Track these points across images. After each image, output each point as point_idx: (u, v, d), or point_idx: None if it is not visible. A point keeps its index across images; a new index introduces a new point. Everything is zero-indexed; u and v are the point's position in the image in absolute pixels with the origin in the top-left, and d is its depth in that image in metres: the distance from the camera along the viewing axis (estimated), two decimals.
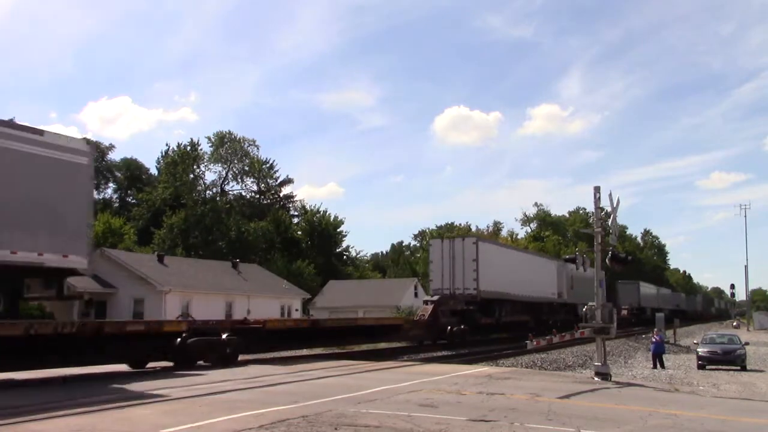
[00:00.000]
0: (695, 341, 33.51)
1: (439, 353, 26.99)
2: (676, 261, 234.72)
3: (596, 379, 17.45)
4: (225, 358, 18.00)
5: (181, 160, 63.85)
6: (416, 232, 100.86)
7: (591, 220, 28.70)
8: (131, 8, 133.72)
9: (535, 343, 20.14)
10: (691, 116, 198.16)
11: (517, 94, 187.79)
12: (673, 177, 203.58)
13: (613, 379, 17.70)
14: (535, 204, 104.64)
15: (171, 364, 17.33)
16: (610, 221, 19.97)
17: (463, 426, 9.56)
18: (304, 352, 25.04)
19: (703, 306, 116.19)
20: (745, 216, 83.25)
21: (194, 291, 44.26)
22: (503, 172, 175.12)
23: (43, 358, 14.19)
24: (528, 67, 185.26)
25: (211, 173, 69.60)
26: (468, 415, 10.38)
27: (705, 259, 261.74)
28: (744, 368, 26.99)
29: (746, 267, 79.27)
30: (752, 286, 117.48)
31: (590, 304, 18.84)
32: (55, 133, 15.53)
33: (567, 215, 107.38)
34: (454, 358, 25.17)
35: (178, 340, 17.15)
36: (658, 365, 27.04)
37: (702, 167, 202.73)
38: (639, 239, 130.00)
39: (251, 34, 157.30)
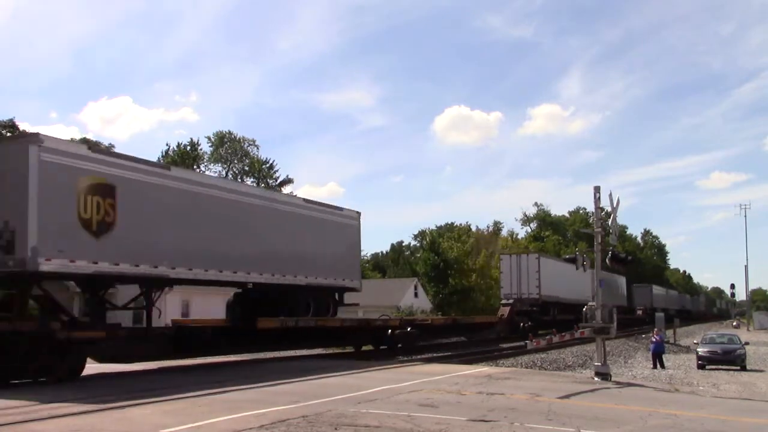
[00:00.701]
0: (695, 341, 33.52)
1: (439, 353, 27.12)
2: (676, 261, 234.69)
3: (596, 379, 17.45)
4: (411, 347, 25.19)
5: (181, 160, 63.88)
6: (416, 232, 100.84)
7: (591, 220, 29.15)
8: (132, 8, 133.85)
9: (535, 343, 20.16)
10: (691, 116, 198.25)
11: (517, 94, 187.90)
12: (673, 177, 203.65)
13: (613, 379, 17.71)
14: (535, 204, 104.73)
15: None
16: (610, 221, 20.00)
17: (463, 426, 9.56)
18: (304, 352, 25.12)
19: (706, 306, 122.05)
20: (745, 216, 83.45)
21: (194, 291, 44.18)
22: (503, 172, 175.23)
23: (314, 341, 24.61)
24: (528, 67, 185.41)
25: (211, 173, 69.63)
26: (468, 415, 10.39)
27: (705, 259, 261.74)
28: (744, 368, 26.99)
29: (746, 267, 79.45)
30: (752, 286, 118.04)
31: (590, 303, 18.86)
32: (345, 209, 24.63)
33: (567, 215, 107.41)
34: (454, 358, 25.18)
35: (389, 331, 25.94)
36: (658, 365, 27.05)
37: (702, 167, 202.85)
38: (639, 239, 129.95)
39: (251, 34, 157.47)
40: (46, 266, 13.63)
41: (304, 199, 24.07)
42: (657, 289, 76.38)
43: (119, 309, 18.77)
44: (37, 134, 13.96)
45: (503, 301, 38.83)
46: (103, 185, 14.85)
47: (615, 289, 53.47)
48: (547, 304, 39.96)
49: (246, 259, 19.24)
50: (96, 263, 14.66)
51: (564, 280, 40.69)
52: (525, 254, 41.33)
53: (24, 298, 14.99)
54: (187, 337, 18.62)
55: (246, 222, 19.44)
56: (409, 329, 26.64)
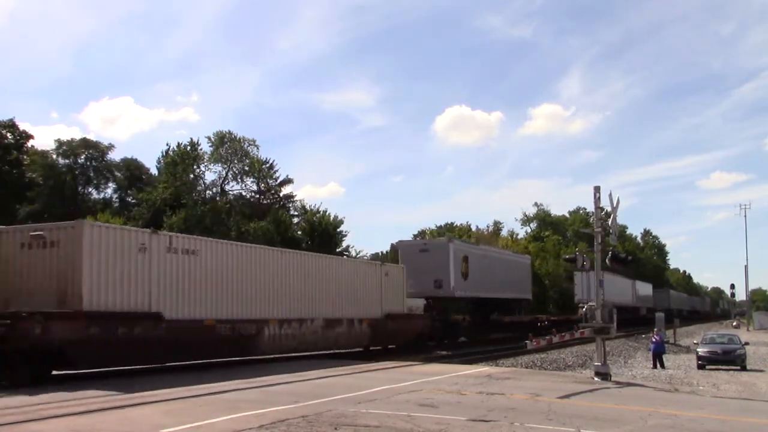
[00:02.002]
0: (695, 341, 33.51)
1: (439, 353, 27.15)
2: (676, 261, 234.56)
3: (596, 379, 17.45)
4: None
5: (181, 160, 63.78)
6: (416, 232, 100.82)
7: (591, 220, 29.39)
8: (132, 8, 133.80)
9: (535, 343, 20.13)
10: (691, 116, 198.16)
11: (517, 94, 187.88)
12: (673, 177, 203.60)
13: (613, 379, 17.71)
14: (535, 204, 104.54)
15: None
16: (610, 221, 19.97)
17: (463, 426, 9.56)
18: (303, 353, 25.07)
19: (710, 306, 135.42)
20: (745, 216, 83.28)
21: None
22: (503, 172, 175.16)
23: (511, 330, 38.54)
24: (528, 67, 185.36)
25: (211, 173, 69.56)
26: (468, 415, 10.38)
27: (705, 259, 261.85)
28: (744, 368, 26.98)
29: (746, 267, 79.32)
30: (752, 286, 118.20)
31: (590, 303, 18.84)
32: (524, 255, 47.53)
33: (567, 215, 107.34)
34: (454, 358, 25.20)
35: (539, 324, 40.71)
36: (658, 365, 27.04)
37: (702, 167, 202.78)
38: (639, 239, 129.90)
39: (251, 34, 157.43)
40: (456, 293, 32.69)
41: (511, 252, 46.97)
42: (673, 293, 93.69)
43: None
44: (452, 239, 35.36)
45: (581, 305, 48.21)
46: (465, 256, 33.91)
47: (649, 294, 71.97)
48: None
49: (496, 285, 37.23)
50: (466, 292, 33.64)
51: (616, 287, 53.36)
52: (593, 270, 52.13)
53: (447, 306, 33.57)
54: (454, 325, 33.37)
55: (504, 268, 39.46)
56: (546, 323, 40.96)
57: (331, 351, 23.91)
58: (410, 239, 45.26)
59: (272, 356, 21.63)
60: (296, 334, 21.76)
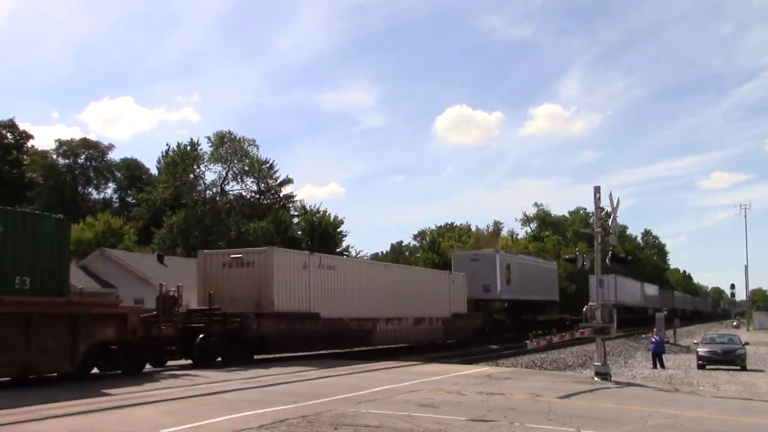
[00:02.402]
0: (695, 341, 33.51)
1: (439, 353, 27.16)
2: (676, 261, 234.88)
3: (596, 379, 17.45)
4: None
5: (181, 160, 63.77)
6: (416, 232, 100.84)
7: (591, 220, 29.56)
8: (132, 8, 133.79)
9: (535, 343, 20.13)
10: (691, 116, 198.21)
11: (518, 94, 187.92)
12: (673, 177, 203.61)
13: (613, 379, 17.70)
14: (535, 204, 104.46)
15: None
16: (610, 221, 19.96)
17: (463, 426, 9.56)
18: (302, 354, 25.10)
19: (711, 306, 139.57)
20: (745, 216, 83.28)
21: (195, 291, 44.32)
22: (503, 172, 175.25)
23: (544, 327, 40.94)
24: (528, 67, 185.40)
25: (211, 173, 69.56)
26: (468, 415, 10.38)
27: (705, 259, 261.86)
28: (744, 368, 26.97)
29: (746, 267, 79.32)
30: (752, 286, 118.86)
31: (590, 303, 18.84)
32: (548, 261, 50.52)
33: (567, 215, 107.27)
34: (454, 358, 25.21)
35: (566, 322, 42.01)
36: (658, 365, 27.04)
37: (702, 167, 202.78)
38: (639, 239, 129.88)
39: (251, 34, 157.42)
40: (501, 296, 37.03)
41: (542, 260, 49.64)
42: (678, 294, 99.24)
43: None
44: (498, 250, 39.65)
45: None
46: (508, 264, 37.78)
47: (656, 296, 77.51)
48: (620, 307, 55.67)
49: (531, 288, 41.15)
50: (509, 295, 37.69)
51: (628, 289, 60.68)
52: (613, 275, 55.30)
53: (492, 307, 37.92)
54: (500, 323, 36.86)
55: (537, 273, 43.37)
56: (569, 322, 42.29)
57: (418, 343, 28.98)
58: (463, 251, 48.21)
59: (385, 346, 26.95)
60: (396, 329, 27.19)
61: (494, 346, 32.25)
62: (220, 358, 19.51)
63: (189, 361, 19.34)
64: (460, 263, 37.27)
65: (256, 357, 20.82)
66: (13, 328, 13.36)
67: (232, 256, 21.80)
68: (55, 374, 14.89)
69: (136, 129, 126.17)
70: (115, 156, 79.32)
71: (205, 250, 23.93)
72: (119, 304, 17.56)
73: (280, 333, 20.80)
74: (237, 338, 19.64)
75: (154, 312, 17.79)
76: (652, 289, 75.41)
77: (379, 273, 27.44)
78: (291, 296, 21.56)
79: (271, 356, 21.68)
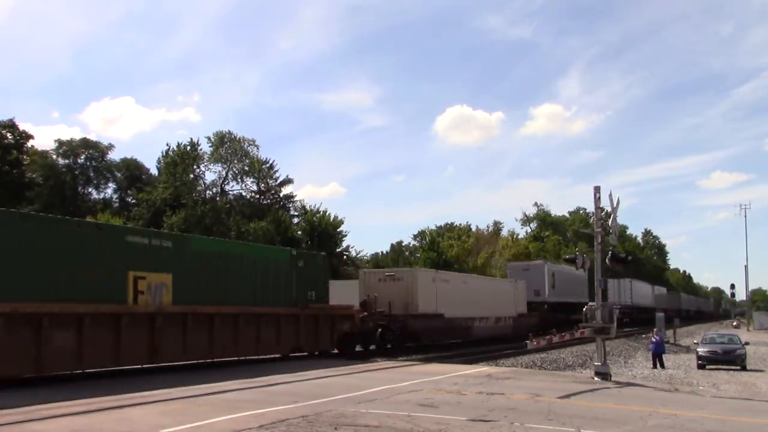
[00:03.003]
0: (695, 341, 33.50)
1: (440, 353, 27.20)
2: (676, 261, 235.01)
3: (596, 379, 17.44)
4: None
5: (181, 160, 63.73)
6: (416, 232, 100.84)
7: (591, 220, 29.75)
8: (132, 8, 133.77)
9: (535, 343, 20.13)
10: (691, 116, 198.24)
11: (518, 94, 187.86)
12: (673, 177, 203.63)
13: (613, 379, 17.70)
14: (535, 204, 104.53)
15: None
16: (610, 221, 19.96)
17: (463, 426, 9.56)
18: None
19: (713, 307, 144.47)
20: (746, 216, 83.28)
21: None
22: (503, 172, 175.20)
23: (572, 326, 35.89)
24: (528, 67, 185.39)
25: (211, 173, 69.53)
26: (468, 415, 10.38)
27: (705, 259, 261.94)
28: (744, 368, 26.97)
29: (746, 267, 79.30)
30: (752, 286, 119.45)
31: (590, 303, 18.84)
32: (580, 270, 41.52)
33: (567, 215, 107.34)
34: (454, 358, 25.21)
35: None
36: (658, 365, 27.04)
37: (702, 167, 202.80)
38: (639, 239, 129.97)
39: (251, 34, 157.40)
40: (549, 299, 44.29)
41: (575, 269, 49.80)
42: (684, 295, 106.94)
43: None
44: (546, 261, 49.52)
45: (615, 306, 62.22)
46: (553, 272, 45.50)
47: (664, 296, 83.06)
48: (633, 308, 62.45)
49: (568, 292, 46.83)
50: (554, 298, 44.51)
51: (641, 292, 67.11)
52: (627, 279, 62.50)
53: (544, 310, 42.99)
54: (548, 322, 39.36)
55: (573, 280, 47.38)
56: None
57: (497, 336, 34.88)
58: (517, 262, 54.75)
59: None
60: (485, 326, 34.89)
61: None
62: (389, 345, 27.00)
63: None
64: (514, 272, 45.67)
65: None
66: (307, 323, 22.12)
67: (386, 273, 30.32)
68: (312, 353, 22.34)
69: (136, 129, 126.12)
70: (115, 156, 79.31)
71: (365, 269, 35.94)
72: (352, 308, 25.31)
73: (424, 328, 29.03)
74: (402, 332, 27.55)
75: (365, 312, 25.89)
76: (660, 291, 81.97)
77: (474, 283, 36.79)
78: (427, 302, 29.25)
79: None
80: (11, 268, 13.84)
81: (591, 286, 69.56)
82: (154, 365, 17.21)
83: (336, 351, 24.02)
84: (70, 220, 17.81)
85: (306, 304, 22.05)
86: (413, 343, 28.53)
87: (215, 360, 18.97)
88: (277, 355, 21.39)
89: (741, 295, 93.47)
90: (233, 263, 19.71)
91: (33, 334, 13.93)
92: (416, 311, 28.18)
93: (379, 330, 26.50)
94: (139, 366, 17.01)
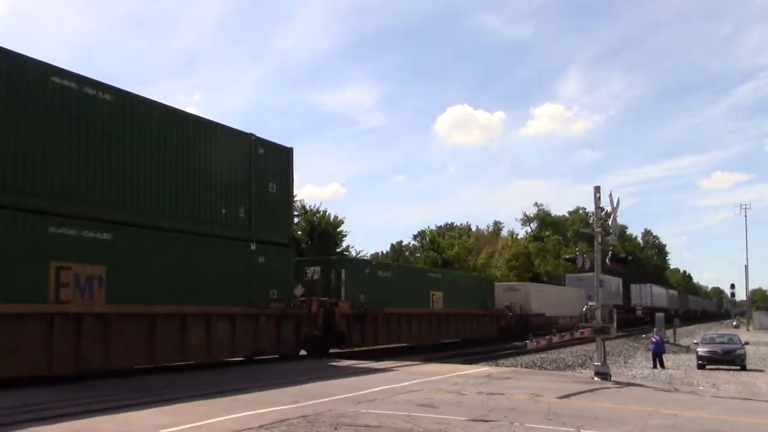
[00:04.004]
0: (695, 341, 33.51)
1: (440, 353, 27.20)
2: (676, 261, 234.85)
3: (596, 379, 17.44)
4: None
5: None
6: (416, 233, 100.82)
7: (591, 220, 29.84)
8: (133, 8, 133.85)
9: (535, 343, 20.12)
10: (691, 116, 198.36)
11: (518, 94, 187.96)
12: (673, 177, 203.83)
13: (612, 378, 17.68)
14: (535, 204, 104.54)
15: None
16: (610, 221, 19.96)
17: (463, 426, 9.56)
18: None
19: (716, 307, 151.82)
20: (746, 216, 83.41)
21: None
22: (504, 171, 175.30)
23: None
24: (528, 67, 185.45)
25: None
26: (468, 415, 10.38)
27: (705, 259, 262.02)
28: (744, 368, 26.99)
29: (746, 267, 79.39)
30: (752, 286, 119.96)
31: (590, 303, 18.83)
32: (615, 276, 62.01)
33: (567, 215, 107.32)
34: (454, 358, 25.21)
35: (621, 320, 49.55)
36: (658, 365, 27.07)
37: (702, 167, 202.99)
38: (639, 239, 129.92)
39: (252, 34, 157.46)
40: (598, 303, 41.77)
41: (612, 276, 60.71)
42: (691, 297, 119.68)
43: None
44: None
45: (637, 308, 70.53)
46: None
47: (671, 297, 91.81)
48: (652, 308, 71.48)
49: (609, 296, 47.32)
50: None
51: (659, 295, 78.65)
52: (647, 284, 74.98)
53: None
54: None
55: (612, 286, 60.07)
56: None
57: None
58: (574, 274, 61.91)
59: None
60: (564, 322, 44.12)
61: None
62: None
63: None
64: (571, 281, 59.48)
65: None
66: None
67: (509, 285, 44.33)
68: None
69: None
70: None
71: (496, 283, 43.45)
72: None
73: (536, 323, 40.45)
74: (525, 325, 39.11)
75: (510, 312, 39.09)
76: (672, 293, 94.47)
77: (558, 291, 52.04)
78: (537, 305, 42.22)
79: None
80: None
81: (626, 291, 71.33)
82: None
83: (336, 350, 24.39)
84: None
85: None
86: (531, 332, 32.55)
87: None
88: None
89: (741, 295, 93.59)
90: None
91: None
92: (530, 311, 41.05)
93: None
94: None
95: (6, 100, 13.50)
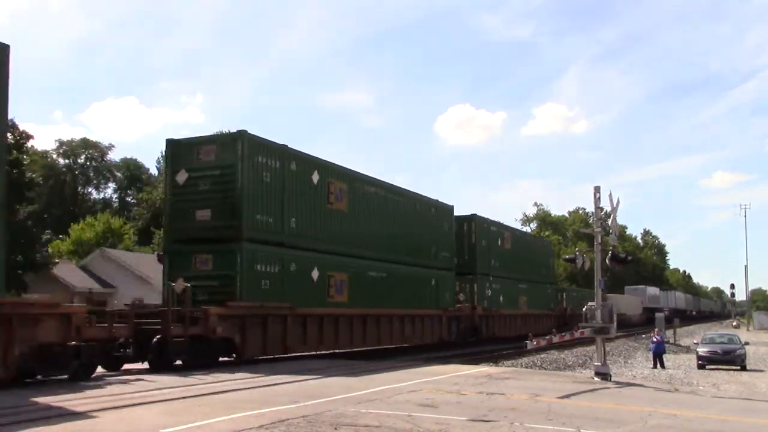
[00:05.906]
0: (695, 341, 33.51)
1: (440, 353, 27.20)
2: (676, 261, 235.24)
3: (596, 379, 17.44)
4: None
5: None
6: None
7: (591, 220, 29.93)
8: (134, 8, 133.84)
9: (535, 343, 20.10)
10: (691, 116, 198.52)
11: (518, 94, 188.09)
12: (673, 177, 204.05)
13: (613, 379, 17.69)
14: (535, 204, 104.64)
15: None
16: (610, 221, 19.97)
17: (463, 426, 9.56)
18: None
19: (720, 307, 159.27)
20: (745, 216, 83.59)
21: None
22: (504, 172, 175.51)
23: None
24: (529, 67, 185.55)
25: None
26: (468, 415, 10.38)
27: (705, 259, 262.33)
28: (744, 368, 26.98)
29: (746, 267, 79.83)
30: (752, 286, 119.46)
31: (590, 303, 18.84)
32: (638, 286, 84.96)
33: (567, 215, 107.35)
34: (454, 358, 25.20)
35: None
36: (658, 365, 27.06)
37: (703, 167, 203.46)
38: (639, 239, 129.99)
39: (252, 35, 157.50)
40: (646, 306, 75.56)
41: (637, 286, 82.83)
42: (703, 299, 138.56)
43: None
44: (646, 286, 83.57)
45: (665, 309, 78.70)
46: (644, 289, 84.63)
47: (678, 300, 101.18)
48: (674, 310, 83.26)
49: (651, 301, 79.72)
50: (647, 305, 77.68)
51: (680, 299, 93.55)
52: (650, 287, 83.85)
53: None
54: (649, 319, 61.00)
55: (652, 295, 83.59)
56: None
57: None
58: (630, 286, 78.83)
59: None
60: (635, 320, 62.06)
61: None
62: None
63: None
64: (629, 290, 74.83)
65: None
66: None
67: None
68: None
69: (139, 129, 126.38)
70: (115, 156, 79.23)
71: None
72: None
73: (620, 319, 35.96)
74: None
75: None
76: (689, 297, 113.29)
77: (630, 296, 66.73)
78: (620, 306, 41.52)
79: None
80: None
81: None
82: None
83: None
84: None
85: None
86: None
87: None
88: None
89: (741, 295, 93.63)
90: None
91: None
92: (618, 311, 42.64)
93: None
94: None
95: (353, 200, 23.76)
